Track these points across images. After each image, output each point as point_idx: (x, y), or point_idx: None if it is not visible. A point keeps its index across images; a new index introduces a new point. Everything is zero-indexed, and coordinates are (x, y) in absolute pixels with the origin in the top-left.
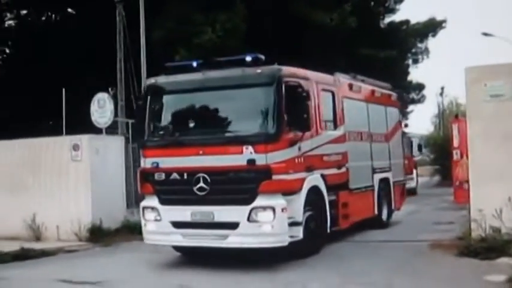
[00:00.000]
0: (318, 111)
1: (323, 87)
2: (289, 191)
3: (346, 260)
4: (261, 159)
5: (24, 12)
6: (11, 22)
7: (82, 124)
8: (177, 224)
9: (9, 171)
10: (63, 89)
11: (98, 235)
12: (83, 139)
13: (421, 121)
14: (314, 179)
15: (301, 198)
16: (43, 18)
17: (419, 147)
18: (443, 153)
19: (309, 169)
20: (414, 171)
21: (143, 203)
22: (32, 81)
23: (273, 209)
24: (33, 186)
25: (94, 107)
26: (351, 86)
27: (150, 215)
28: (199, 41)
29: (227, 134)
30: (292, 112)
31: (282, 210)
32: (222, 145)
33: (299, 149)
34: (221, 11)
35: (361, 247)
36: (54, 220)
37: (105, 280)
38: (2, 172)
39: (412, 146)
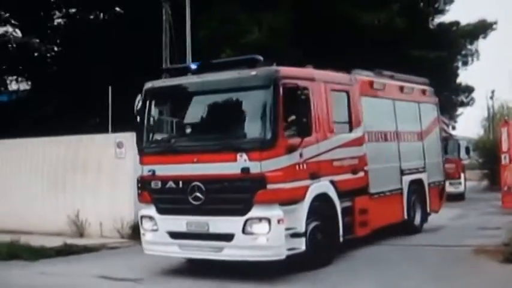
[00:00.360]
0: (326, 113)
1: (334, 87)
2: (288, 200)
3: (386, 263)
4: (255, 167)
5: (73, 10)
6: (60, 20)
7: (128, 122)
8: (174, 235)
9: (55, 168)
10: (109, 87)
11: (140, 233)
12: (127, 137)
13: (470, 124)
14: (321, 186)
15: (303, 207)
16: (91, 16)
17: (467, 150)
18: (492, 157)
19: (315, 176)
20: (462, 175)
21: (141, 212)
22: (80, 79)
23: (269, 221)
24: (78, 183)
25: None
26: (371, 84)
27: (147, 225)
28: (245, 40)
29: (221, 141)
30: (291, 116)
31: (278, 221)
32: (216, 152)
33: (300, 155)
34: (267, 11)
35: (402, 251)
36: (98, 217)
37: (145, 277)
38: (47, 168)
39: (459, 148)
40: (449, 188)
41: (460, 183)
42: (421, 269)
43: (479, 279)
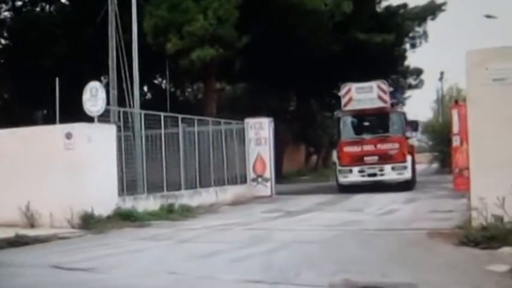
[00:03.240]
0: None
1: None
2: None
3: (340, 247)
4: None
5: (20, 3)
6: (6, 14)
7: (75, 113)
8: None
9: (4, 160)
10: (57, 79)
11: (90, 222)
12: (76, 127)
13: (420, 107)
14: None
15: None
16: (37, 9)
17: (414, 126)
18: (442, 139)
19: None
20: (409, 157)
21: None
22: (27, 72)
23: None
24: (28, 174)
25: (86, 95)
26: None
27: None
28: (191, 28)
29: None
30: None
31: None
32: None
33: None
34: None
35: (355, 235)
36: (48, 208)
37: (96, 267)
38: None
39: (404, 124)
40: (390, 175)
41: (405, 167)
42: (375, 253)
43: (434, 262)
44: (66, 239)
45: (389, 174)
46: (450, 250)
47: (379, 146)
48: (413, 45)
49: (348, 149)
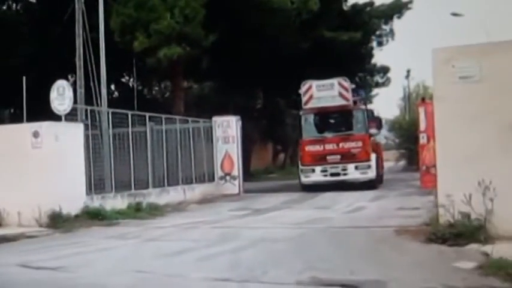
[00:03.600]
0: None
1: None
2: None
3: (307, 245)
4: None
5: None
6: None
7: (42, 112)
8: None
9: None
10: (24, 77)
11: (58, 221)
12: (43, 126)
13: (387, 105)
14: None
15: None
16: (4, 7)
17: (378, 123)
18: (409, 137)
19: None
20: (373, 155)
21: None
22: None
23: None
24: None
25: (53, 94)
26: None
27: None
28: (157, 27)
29: None
30: None
31: None
32: None
33: None
34: None
35: (323, 233)
36: (15, 206)
37: (64, 266)
38: None
39: (367, 120)
40: (354, 174)
41: (369, 166)
42: (343, 250)
43: (402, 259)
44: (34, 237)
45: (352, 173)
46: (418, 247)
47: (341, 144)
48: (380, 43)
49: (309, 148)
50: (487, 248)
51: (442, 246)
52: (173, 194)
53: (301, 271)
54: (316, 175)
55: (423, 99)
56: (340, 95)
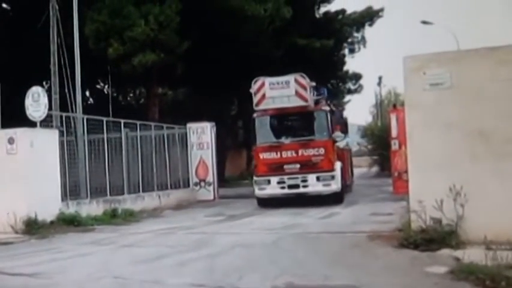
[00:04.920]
0: None
1: None
2: None
3: (282, 251)
4: None
5: None
6: None
7: (17, 118)
8: None
9: None
10: None
11: (34, 227)
12: (18, 132)
13: (359, 112)
14: None
15: None
16: None
17: (343, 126)
18: (381, 143)
19: None
20: (338, 164)
21: None
22: None
23: None
24: None
25: (28, 100)
26: None
27: None
28: (132, 34)
29: None
30: None
31: None
32: None
33: None
34: (154, 4)
35: (297, 238)
36: None
37: (40, 272)
38: None
39: (330, 124)
40: (315, 186)
41: (332, 177)
42: (316, 255)
43: (375, 264)
44: (9, 244)
45: (313, 185)
46: (390, 252)
47: (300, 151)
48: (352, 51)
49: (264, 155)
50: (458, 253)
51: (414, 251)
52: (148, 200)
53: (276, 276)
54: (272, 187)
55: (395, 106)
56: (297, 94)
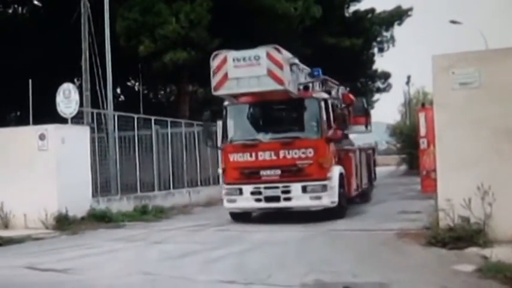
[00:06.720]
0: None
1: None
2: None
3: (310, 248)
4: None
5: None
6: None
7: (48, 114)
8: None
9: None
10: (30, 80)
11: (64, 223)
12: (49, 129)
13: (388, 110)
14: None
15: None
16: (10, 10)
17: (363, 116)
18: (410, 142)
19: None
20: (335, 169)
21: None
22: (0, 73)
23: None
24: (2, 175)
25: (60, 97)
26: None
27: None
28: (163, 31)
29: None
30: None
31: None
32: None
33: None
34: (185, 1)
35: (326, 236)
36: (22, 208)
37: (70, 268)
38: None
39: (321, 114)
40: (300, 200)
41: (324, 187)
42: (345, 253)
43: (403, 262)
44: (41, 240)
45: (298, 198)
46: (418, 250)
47: (282, 153)
48: (381, 50)
49: (235, 157)
50: (486, 252)
51: (442, 249)
52: (178, 197)
53: (305, 273)
54: (245, 199)
55: (423, 105)
56: (271, 74)
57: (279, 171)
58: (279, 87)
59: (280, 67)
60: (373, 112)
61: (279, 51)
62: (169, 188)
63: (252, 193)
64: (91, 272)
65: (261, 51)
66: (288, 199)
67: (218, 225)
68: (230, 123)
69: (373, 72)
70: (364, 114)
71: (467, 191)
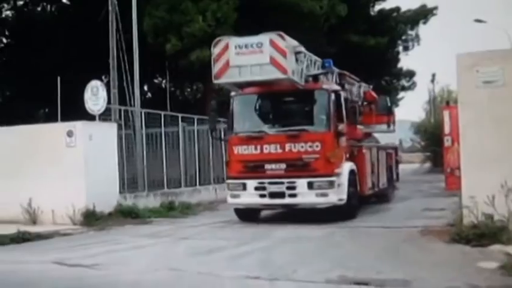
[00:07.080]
0: None
1: None
2: None
3: (335, 244)
4: None
5: (21, 3)
6: (8, 13)
7: (76, 111)
8: None
9: (7, 157)
10: (58, 77)
11: (92, 219)
12: (77, 125)
13: (412, 108)
14: None
15: None
16: (39, 8)
17: (387, 114)
18: (434, 140)
19: None
20: (345, 165)
21: None
22: (28, 70)
23: None
24: (30, 172)
25: (87, 94)
26: None
27: None
28: (189, 30)
29: None
30: None
31: None
32: None
33: None
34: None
35: (350, 232)
36: (50, 204)
37: (98, 263)
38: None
39: (330, 107)
40: (306, 197)
41: (331, 183)
42: (369, 250)
43: (427, 259)
44: (68, 235)
45: (304, 195)
46: (442, 247)
47: (288, 146)
48: (406, 48)
49: (239, 150)
50: (510, 249)
51: (465, 246)
52: (205, 194)
53: (329, 269)
54: (249, 195)
55: (448, 103)
56: (273, 62)
57: (284, 165)
58: (282, 75)
59: (284, 55)
60: (397, 110)
61: (283, 38)
62: (196, 185)
63: (256, 188)
64: (118, 268)
65: (264, 38)
66: (293, 195)
67: (244, 221)
68: (236, 114)
69: (398, 71)
70: (388, 113)
71: (491, 188)
